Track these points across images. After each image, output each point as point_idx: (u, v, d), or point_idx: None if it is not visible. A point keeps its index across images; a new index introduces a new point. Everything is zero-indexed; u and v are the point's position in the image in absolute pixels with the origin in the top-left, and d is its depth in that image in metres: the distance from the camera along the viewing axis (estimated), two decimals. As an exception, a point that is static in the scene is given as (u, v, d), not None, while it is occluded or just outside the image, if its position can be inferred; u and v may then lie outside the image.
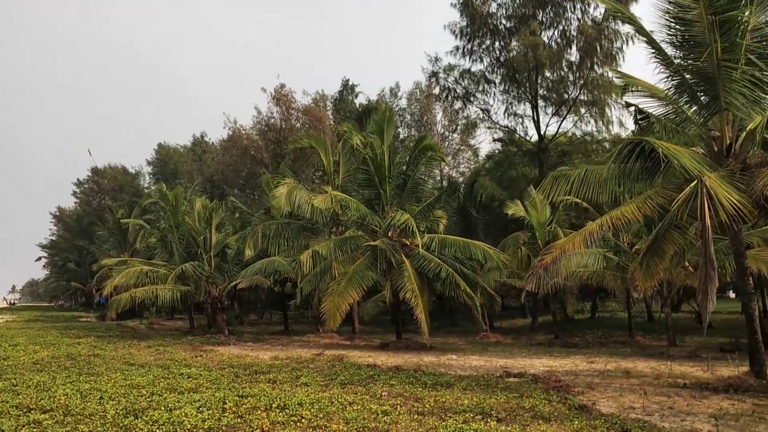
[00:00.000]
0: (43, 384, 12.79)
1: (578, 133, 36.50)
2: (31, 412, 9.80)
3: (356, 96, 66.52)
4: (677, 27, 12.58)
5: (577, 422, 9.19)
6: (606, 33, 32.46)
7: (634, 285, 18.79)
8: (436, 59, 39.04)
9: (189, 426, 8.57)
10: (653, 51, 13.58)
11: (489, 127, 38.42)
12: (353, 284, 22.17)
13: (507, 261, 25.15)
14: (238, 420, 9.03)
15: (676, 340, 21.95)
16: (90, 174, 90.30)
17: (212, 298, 28.79)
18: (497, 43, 36.29)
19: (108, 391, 11.64)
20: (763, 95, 12.48)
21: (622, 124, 34.82)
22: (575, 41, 33.93)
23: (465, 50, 37.12)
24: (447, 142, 60.48)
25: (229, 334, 28.59)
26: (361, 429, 8.41)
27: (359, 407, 9.91)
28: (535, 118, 36.23)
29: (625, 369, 16.67)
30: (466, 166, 55.34)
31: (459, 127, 57.00)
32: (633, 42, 32.05)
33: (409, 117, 64.69)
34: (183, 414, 9.28)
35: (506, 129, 37.94)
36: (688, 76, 13.33)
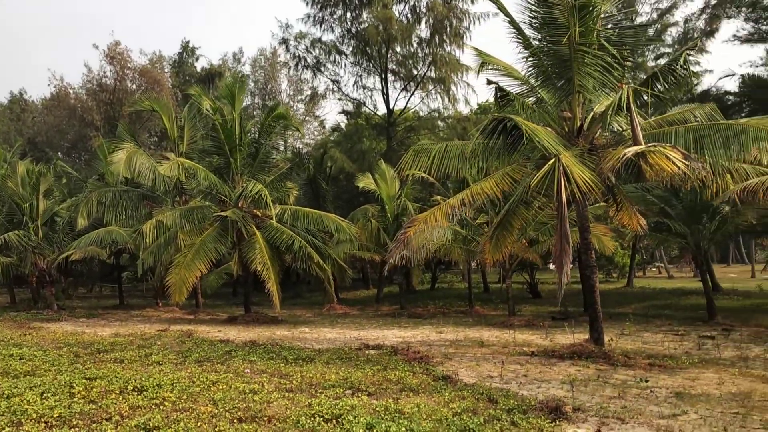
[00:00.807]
0: None
1: (425, 109, 37.34)
2: None
3: (197, 59, 63.75)
4: (539, 9, 12.98)
5: (447, 394, 9.30)
6: (455, 12, 33.27)
7: (483, 258, 19.49)
8: (287, 26, 38.19)
9: (35, 415, 7.63)
10: (514, 31, 13.97)
11: (340, 99, 38.24)
12: (201, 256, 21.21)
13: (357, 234, 25.22)
14: (92, 406, 8.17)
15: (514, 310, 23.14)
16: None
17: (39, 271, 26.31)
18: (349, 14, 36.03)
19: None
20: (613, 80, 13.24)
21: (467, 102, 36.19)
22: (425, 17, 34.48)
23: (316, 18, 36.57)
24: (292, 112, 59.63)
25: (59, 309, 26.35)
26: (233, 410, 7.92)
27: (225, 386, 9.39)
28: (385, 92, 36.53)
29: (474, 339, 17.33)
30: (311, 137, 54.94)
31: (306, 97, 56.48)
32: (480, 22, 33.21)
33: (252, 84, 62.94)
34: (24, 401, 8.27)
35: (356, 101, 37.97)
36: (544, 57, 13.84)
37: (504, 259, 19.49)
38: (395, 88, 36.68)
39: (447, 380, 10.56)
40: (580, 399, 9.38)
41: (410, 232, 13.06)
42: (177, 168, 21.19)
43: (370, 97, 37.88)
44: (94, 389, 9.08)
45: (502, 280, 45.32)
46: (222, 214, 21.68)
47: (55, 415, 7.66)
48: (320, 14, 36.29)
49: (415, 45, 35.12)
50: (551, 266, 53.95)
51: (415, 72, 35.86)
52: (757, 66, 25.93)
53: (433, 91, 35.64)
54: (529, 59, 14.25)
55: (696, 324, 21.46)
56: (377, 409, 8.17)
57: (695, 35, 33.00)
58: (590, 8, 12.34)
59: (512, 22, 13.95)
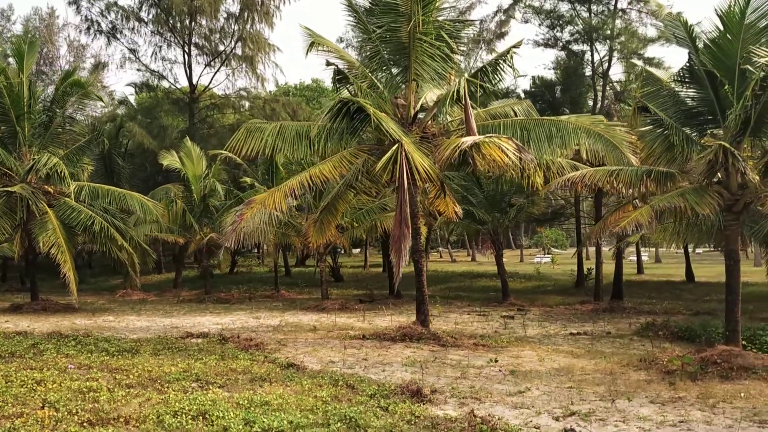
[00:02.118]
0: None
1: (231, 87, 35.96)
2: None
3: (-49, 10, 55.72)
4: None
5: (303, 382, 9.01)
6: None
7: (307, 241, 19.34)
8: (80, -16, 34.46)
9: None
10: (354, 16, 13.90)
11: (138, 70, 35.42)
12: (-21, 237, 18.60)
13: (163, 215, 23.72)
14: None
15: (328, 294, 23.26)
16: None
17: None
18: (148, -21, 33.50)
19: None
20: (447, 70, 13.69)
21: (277, 83, 35.49)
22: (235, -9, 33.24)
23: (112, -21, 33.52)
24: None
25: None
26: (78, 413, 6.96)
27: (54, 385, 8.24)
28: (188, 66, 34.59)
29: (294, 324, 17.14)
30: (96, 109, 50.60)
31: (91, 66, 51.83)
32: (290, 3, 32.75)
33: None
34: None
35: (156, 74, 35.44)
36: (382, 44, 13.89)
37: (327, 242, 19.46)
38: (199, 62, 35.00)
39: (294, 368, 10.26)
40: (428, 381, 9.59)
41: (248, 214, 12.49)
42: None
43: (170, 71, 35.62)
44: None
45: (302, 264, 45.81)
46: (8, 189, 19.12)
47: None
48: (118, -24, 33.41)
49: (222, 20, 33.72)
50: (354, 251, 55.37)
51: (221, 48, 34.39)
52: (548, 68, 28.59)
53: (239, 69, 34.47)
54: (366, 44, 14.26)
55: (492, 304, 23.17)
56: (240, 402, 7.66)
57: (488, 36, 35.48)
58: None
59: (351, 6, 13.86)
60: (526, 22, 27.67)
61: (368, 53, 14.27)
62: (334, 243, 23.41)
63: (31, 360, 10.46)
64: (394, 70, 14.19)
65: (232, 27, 33.62)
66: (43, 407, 7.16)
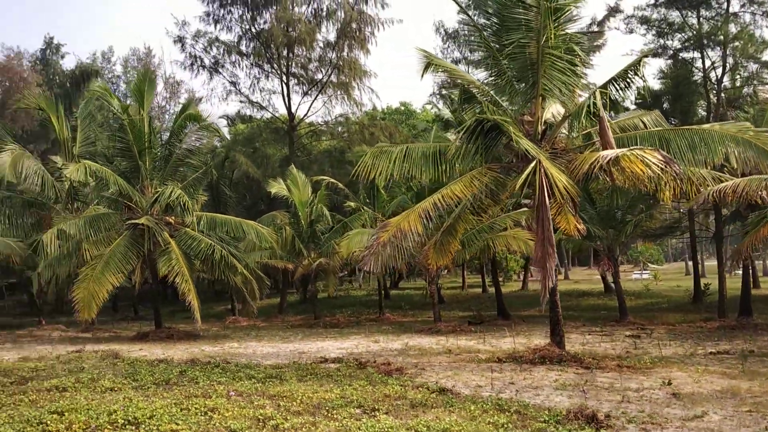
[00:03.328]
0: None
1: (328, 114, 36.59)
2: None
3: (62, 57, 59.09)
4: (508, 12, 12.82)
5: (469, 408, 8.79)
6: (363, 16, 32.89)
7: (426, 263, 19.25)
8: (184, 23, 36.01)
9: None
10: (476, 34, 13.79)
11: (241, 101, 36.58)
12: (111, 268, 19.36)
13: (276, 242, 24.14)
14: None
15: (440, 317, 23.00)
16: None
17: None
18: (249, 14, 34.58)
19: None
20: (575, 83, 13.36)
21: (375, 107, 35.84)
22: (331, 20, 33.88)
23: (214, 17, 34.80)
24: (167, 115, 56.67)
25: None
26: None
27: (229, 413, 8.32)
28: (286, 95, 35.43)
29: (418, 347, 16.96)
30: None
31: (187, 99, 53.94)
32: (385, 28, 33.09)
33: (124, 86, 59.30)
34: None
35: (255, 104, 36.48)
36: (505, 60, 13.70)
37: (448, 264, 19.31)
38: (296, 91, 35.78)
39: (447, 393, 10.06)
40: (590, 405, 9.19)
41: (383, 237, 12.45)
42: (85, 171, 19.15)
43: (269, 101, 36.58)
44: (76, 426, 7.76)
45: (395, 286, 45.78)
46: (136, 221, 19.90)
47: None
48: (220, 12, 34.65)
49: (318, 49, 34.42)
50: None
51: (318, 76, 35.14)
52: (656, 78, 27.68)
53: (335, 96, 35.02)
54: (488, 61, 14.11)
55: (611, 324, 22.38)
56: (419, 429, 7.54)
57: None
58: (564, 11, 12.36)
59: (474, 25, 13.78)
60: (631, 32, 26.93)
61: (492, 71, 14.07)
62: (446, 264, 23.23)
63: (188, 387, 10.66)
64: (520, 86, 13.95)
65: (329, 55, 34.28)
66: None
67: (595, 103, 12.06)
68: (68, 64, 56.89)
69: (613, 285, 27.90)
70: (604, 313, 25.80)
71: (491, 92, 14.45)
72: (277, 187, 26.37)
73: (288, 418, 8.18)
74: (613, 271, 23.45)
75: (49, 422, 7.92)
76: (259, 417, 8.14)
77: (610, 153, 11.55)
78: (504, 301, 27.00)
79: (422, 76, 14.68)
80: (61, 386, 11.11)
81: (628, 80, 13.85)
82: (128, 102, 22.69)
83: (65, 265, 20.55)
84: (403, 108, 50.22)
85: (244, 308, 23.69)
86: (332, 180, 28.76)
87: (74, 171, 19.21)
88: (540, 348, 13.98)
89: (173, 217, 21.29)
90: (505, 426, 7.77)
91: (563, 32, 12.90)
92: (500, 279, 44.89)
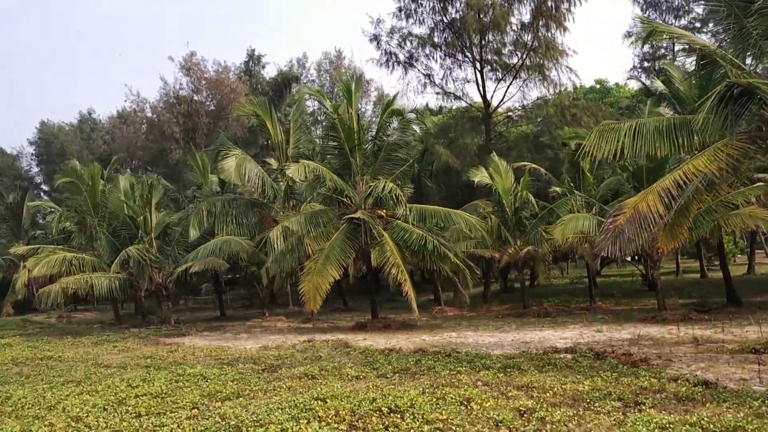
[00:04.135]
0: (38, 400, 10.18)
1: (525, 98, 35.72)
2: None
3: (263, 67, 63.34)
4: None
5: (756, 403, 7.92)
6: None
7: (658, 248, 18.06)
8: (379, 21, 36.96)
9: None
10: None
11: (437, 93, 36.93)
12: (331, 261, 20.22)
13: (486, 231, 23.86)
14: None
15: (665, 304, 21.44)
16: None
17: (155, 285, 25.77)
18: (440, 4, 34.70)
19: (144, 408, 9.26)
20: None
21: (575, 87, 34.45)
22: (522, 2, 33.01)
23: (406, 11, 35.39)
24: (358, 113, 58.56)
25: (176, 323, 25.77)
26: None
27: (490, 404, 8.19)
28: (480, 83, 35.12)
29: (651, 337, 15.88)
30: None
31: (375, 98, 55.75)
32: (582, 3, 31.57)
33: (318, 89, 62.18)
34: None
35: (450, 95, 36.62)
36: (751, 18, 12.26)
37: (677, 247, 17.93)
38: (490, 78, 35.31)
39: (713, 386, 9.18)
40: None
41: (620, 220, 11.70)
42: (304, 170, 20.21)
43: (462, 90, 36.49)
44: (343, 413, 8.01)
45: (598, 273, 43.70)
46: (352, 216, 20.66)
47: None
48: (411, 6, 35.16)
49: (512, 32, 33.65)
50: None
51: (513, 60, 34.41)
52: None
53: (532, 79, 34.06)
54: (726, 21, 12.74)
55: None
56: (705, 426, 6.89)
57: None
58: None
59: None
60: None
61: (731, 32, 12.69)
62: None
63: (430, 376, 10.72)
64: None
65: (524, 38, 33.39)
66: (497, 427, 7.05)
67: None
68: (268, 73, 60.34)
69: None
70: None
71: (729, 56, 13.06)
72: (480, 176, 26.12)
73: (548, 409, 7.87)
74: None
75: (317, 408, 8.26)
76: (520, 408, 7.91)
77: None
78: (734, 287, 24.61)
79: (642, 45, 13.67)
80: (309, 374, 11.69)
81: None
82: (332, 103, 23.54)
83: (289, 260, 21.82)
84: (598, 86, 47.81)
85: (456, 298, 23.73)
86: (534, 165, 27.99)
87: (295, 170, 20.30)
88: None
89: (384, 210, 21.81)
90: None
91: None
92: (716, 263, 41.50)
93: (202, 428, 7.69)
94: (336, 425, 7.57)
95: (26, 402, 10.17)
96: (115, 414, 8.96)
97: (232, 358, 14.72)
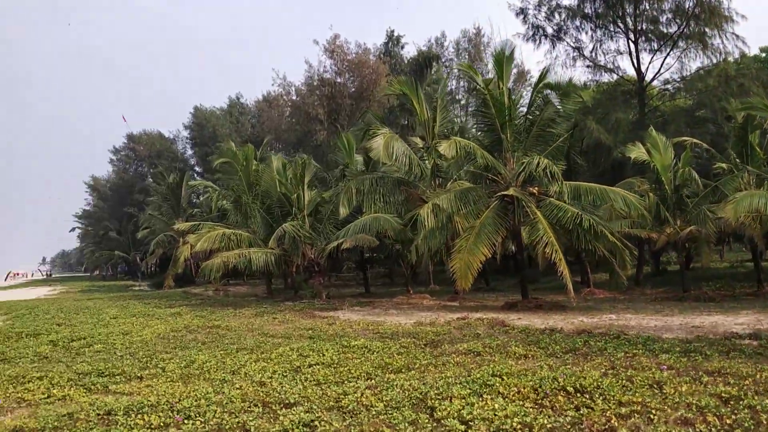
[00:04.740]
0: (219, 365, 10.75)
1: (686, 68, 33.33)
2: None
3: (402, 48, 63.53)
4: None
5: None
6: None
7: None
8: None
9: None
10: None
11: (587, 66, 35.36)
12: (482, 239, 19.93)
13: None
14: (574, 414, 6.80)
15: None
16: (126, 141, 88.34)
17: (308, 261, 26.66)
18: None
19: (321, 377, 9.50)
20: None
21: (744, 54, 31.82)
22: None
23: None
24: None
25: (327, 298, 26.58)
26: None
27: (686, 389, 7.65)
28: (634, 54, 33.24)
29: None
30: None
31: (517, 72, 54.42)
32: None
33: (457, 70, 61.73)
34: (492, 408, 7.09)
35: (601, 68, 34.92)
36: None
37: None
38: (645, 50, 33.29)
39: None
40: None
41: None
42: (455, 147, 20.02)
43: (614, 63, 34.65)
44: (525, 390, 7.78)
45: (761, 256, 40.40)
46: (505, 193, 20.26)
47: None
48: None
49: (669, -2, 31.42)
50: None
51: (670, 29, 32.19)
52: None
53: (691, 49, 31.76)
54: None
55: None
56: None
57: None
58: None
59: None
60: None
61: None
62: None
63: (602, 358, 10.25)
64: None
65: (684, 4, 31.10)
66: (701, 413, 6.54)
67: None
68: (408, 53, 60.48)
69: None
70: None
71: None
72: (636, 152, 24.72)
73: (757, 398, 7.22)
74: None
75: (497, 384, 8.09)
76: (721, 395, 7.33)
77: None
78: None
79: None
80: (473, 350, 11.55)
81: None
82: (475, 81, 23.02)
83: (438, 238, 21.77)
84: (764, 55, 43.80)
85: (612, 279, 22.65)
86: (695, 140, 26.21)
87: (447, 147, 20.15)
88: None
89: (536, 187, 21.20)
90: None
91: None
92: None
93: (388, 398, 7.73)
94: (520, 402, 7.36)
95: (210, 366, 10.75)
96: (295, 381, 9.24)
97: (391, 333, 14.89)
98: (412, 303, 25.38)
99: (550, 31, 34.82)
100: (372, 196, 25.93)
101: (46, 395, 9.14)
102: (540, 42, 35.20)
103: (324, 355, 11.40)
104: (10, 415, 8.24)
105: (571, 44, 35.05)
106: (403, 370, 9.73)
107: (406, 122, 45.02)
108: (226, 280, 47.87)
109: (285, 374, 9.75)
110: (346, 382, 9.01)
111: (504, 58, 21.55)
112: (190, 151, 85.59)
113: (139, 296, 36.56)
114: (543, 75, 22.19)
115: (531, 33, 35.01)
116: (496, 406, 7.13)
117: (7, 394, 9.36)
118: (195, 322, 18.91)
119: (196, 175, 77.92)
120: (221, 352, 12.63)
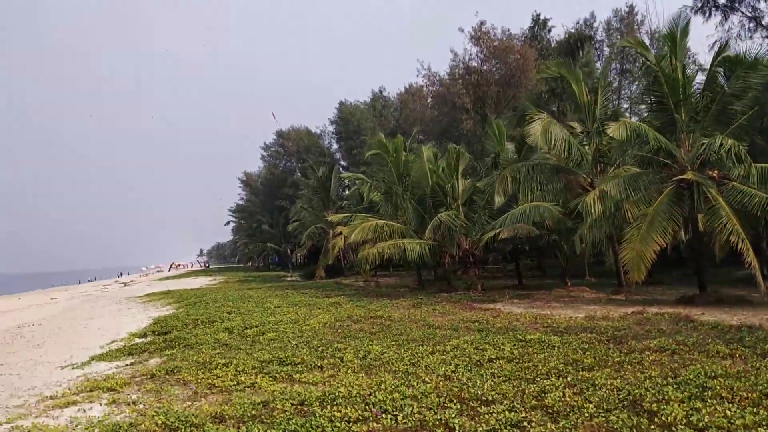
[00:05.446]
0: (396, 356, 10.48)
1: None
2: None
3: (549, 31, 61.23)
4: None
5: None
6: None
7: None
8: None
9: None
10: None
11: (766, 37, 32.10)
12: (655, 227, 18.46)
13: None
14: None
15: None
16: (276, 137, 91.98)
17: (462, 251, 26.14)
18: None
19: (507, 372, 8.94)
20: None
21: None
22: None
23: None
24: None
25: (482, 290, 25.92)
26: None
27: None
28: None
29: None
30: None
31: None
32: None
33: (607, 50, 58.67)
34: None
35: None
36: None
37: None
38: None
39: None
40: None
41: None
42: (625, 129, 18.66)
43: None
44: (754, 395, 6.77)
45: None
46: (683, 177, 18.63)
47: None
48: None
49: None
50: None
51: None
52: None
53: None
54: None
55: None
56: None
57: None
58: None
59: None
60: None
61: None
62: None
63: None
64: None
65: None
66: None
67: None
68: (555, 36, 58.23)
69: None
70: None
71: None
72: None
73: None
74: None
75: (717, 387, 7.13)
76: None
77: None
78: None
79: None
80: (666, 348, 10.55)
81: None
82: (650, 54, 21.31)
83: (605, 226, 20.47)
84: None
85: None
86: None
87: (616, 129, 18.83)
88: None
89: (715, 171, 19.35)
90: None
91: None
92: None
93: (596, 399, 7.02)
94: (753, 409, 6.39)
95: (387, 358, 10.48)
96: (481, 375, 8.72)
97: (563, 327, 14.01)
98: (572, 296, 24.13)
99: (722, 0, 31.93)
100: (528, 184, 24.88)
101: (234, 382, 9.24)
102: (710, 14, 32.32)
103: (502, 349, 10.81)
104: (205, 400, 8.34)
105: (747, 13, 31.90)
106: (596, 368, 8.92)
107: (556, 108, 43.24)
108: (374, 271, 48.41)
109: (468, 368, 9.25)
110: (537, 379, 8.36)
111: (678, 31, 19.80)
112: (335, 146, 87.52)
113: (294, 286, 37.66)
114: (723, 48, 20.19)
115: (700, 4, 32.24)
116: (729, 413, 6.21)
117: (198, 380, 9.57)
118: (356, 312, 18.92)
119: (341, 168, 79.65)
120: (392, 342, 12.37)
